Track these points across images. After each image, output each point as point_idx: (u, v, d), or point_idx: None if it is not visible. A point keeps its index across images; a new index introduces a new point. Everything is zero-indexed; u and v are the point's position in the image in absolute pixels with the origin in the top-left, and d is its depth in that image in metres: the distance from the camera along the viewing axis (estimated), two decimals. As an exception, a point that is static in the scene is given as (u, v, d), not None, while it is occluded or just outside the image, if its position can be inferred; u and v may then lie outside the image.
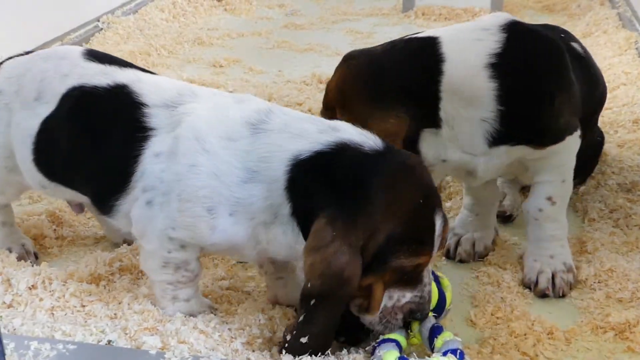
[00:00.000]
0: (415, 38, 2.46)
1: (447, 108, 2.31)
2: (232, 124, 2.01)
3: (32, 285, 2.37)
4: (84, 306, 2.30)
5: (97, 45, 4.89)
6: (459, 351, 1.86)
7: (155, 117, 2.09)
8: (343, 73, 2.43)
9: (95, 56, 2.32)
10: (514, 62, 2.33)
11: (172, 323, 2.09)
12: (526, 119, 2.32)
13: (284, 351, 1.92)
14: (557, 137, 2.36)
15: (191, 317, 2.15)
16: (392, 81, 2.32)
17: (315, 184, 1.90)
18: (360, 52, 2.48)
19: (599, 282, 2.44)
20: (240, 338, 2.08)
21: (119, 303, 2.29)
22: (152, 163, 2.05)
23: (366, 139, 1.93)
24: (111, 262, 2.53)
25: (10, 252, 2.61)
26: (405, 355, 1.87)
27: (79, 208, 2.61)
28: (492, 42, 2.34)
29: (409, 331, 2.00)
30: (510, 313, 2.28)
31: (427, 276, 1.94)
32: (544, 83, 2.35)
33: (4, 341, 1.96)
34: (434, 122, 2.33)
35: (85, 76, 2.24)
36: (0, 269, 2.43)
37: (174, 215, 2.01)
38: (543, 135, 2.36)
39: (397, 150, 1.97)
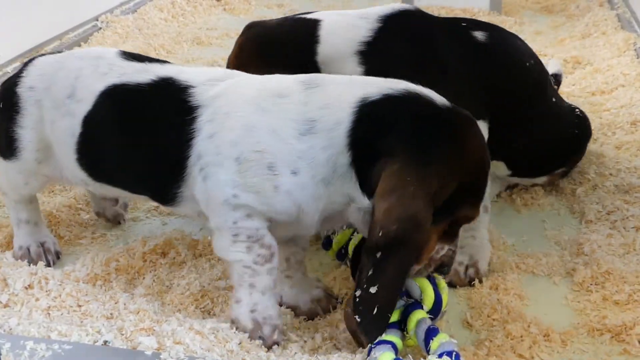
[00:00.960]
0: (303, 18, 2.67)
1: None
2: (281, 84, 2.05)
3: (29, 285, 2.37)
4: (80, 306, 2.30)
5: (95, 44, 4.89)
6: (454, 353, 1.86)
7: (200, 93, 2.10)
8: (241, 42, 2.66)
9: (133, 56, 2.34)
10: (382, 50, 2.51)
11: (168, 324, 2.08)
12: None
13: (353, 307, 1.91)
14: None
15: (187, 318, 2.14)
16: (278, 54, 2.50)
17: (384, 127, 1.92)
18: (257, 23, 2.73)
19: (595, 284, 2.44)
20: (235, 339, 2.07)
21: (115, 303, 2.30)
22: (205, 143, 2.04)
23: (433, 95, 2.00)
24: (107, 262, 2.53)
25: (29, 250, 2.61)
26: (401, 357, 1.87)
27: (114, 201, 2.65)
28: (365, 30, 2.55)
29: (404, 333, 2.00)
30: (507, 315, 2.27)
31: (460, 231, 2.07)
32: (407, 71, 2.39)
33: (0, 341, 1.96)
34: None
35: (126, 74, 2.24)
36: (-4, 269, 2.43)
37: (235, 179, 1.98)
38: None
39: (460, 108, 2.02)
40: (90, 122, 2.25)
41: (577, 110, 3.09)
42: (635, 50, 4.43)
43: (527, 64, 2.80)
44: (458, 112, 1.99)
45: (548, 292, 2.44)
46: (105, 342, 2.01)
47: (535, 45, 4.82)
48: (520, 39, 2.91)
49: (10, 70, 4.37)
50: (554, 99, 2.92)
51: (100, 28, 5.28)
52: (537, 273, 2.54)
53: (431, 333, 1.94)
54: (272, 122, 1.97)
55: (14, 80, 2.43)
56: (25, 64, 2.47)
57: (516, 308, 2.31)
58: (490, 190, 2.94)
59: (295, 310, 2.31)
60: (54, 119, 2.32)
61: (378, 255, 1.85)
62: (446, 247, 2.03)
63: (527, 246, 2.71)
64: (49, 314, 2.26)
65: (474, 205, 1.99)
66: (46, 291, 2.36)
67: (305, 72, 2.31)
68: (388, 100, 1.95)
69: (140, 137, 2.18)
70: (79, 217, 2.97)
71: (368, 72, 2.51)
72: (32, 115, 2.37)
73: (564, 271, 2.54)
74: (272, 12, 6.06)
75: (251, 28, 2.76)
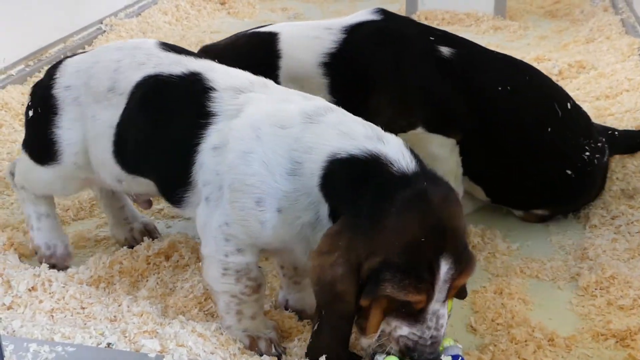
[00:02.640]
0: (257, 32, 2.69)
1: None
2: (288, 113, 2.00)
3: (32, 287, 2.37)
4: (83, 308, 2.29)
5: (99, 47, 4.89)
6: (459, 358, 1.86)
7: (219, 100, 2.09)
8: None
9: (170, 47, 2.34)
10: (346, 62, 2.56)
11: (171, 326, 2.08)
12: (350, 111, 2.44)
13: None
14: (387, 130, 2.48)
15: (190, 321, 2.14)
16: None
17: (340, 187, 1.88)
18: (211, 46, 2.76)
19: (600, 289, 2.43)
20: (238, 342, 2.07)
21: (119, 305, 2.29)
22: (208, 155, 2.04)
23: (401, 158, 1.86)
24: (111, 265, 2.53)
25: (56, 251, 2.60)
26: (405, 360, 1.86)
27: (147, 204, 2.62)
28: (329, 42, 2.60)
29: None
30: (511, 319, 2.27)
31: (432, 320, 1.81)
32: (370, 85, 2.56)
33: (3, 343, 1.95)
34: None
35: (161, 65, 2.24)
36: (0, 270, 2.43)
37: (227, 208, 1.98)
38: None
39: (432, 179, 1.86)
40: (126, 112, 2.24)
41: (589, 155, 2.83)
42: (639, 55, 4.42)
43: (498, 88, 2.74)
44: (413, 185, 1.81)
45: (552, 297, 2.44)
46: (109, 344, 2.01)
47: (540, 49, 4.83)
48: (502, 60, 2.84)
49: (15, 72, 4.37)
50: (550, 130, 2.78)
51: (105, 31, 5.29)
52: (541, 278, 2.54)
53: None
54: (266, 154, 1.95)
55: (47, 84, 2.41)
56: (54, 67, 2.45)
57: (520, 312, 2.31)
58: (472, 202, 2.97)
59: (301, 314, 2.31)
60: (95, 113, 2.30)
61: (322, 312, 1.87)
62: (405, 328, 1.81)
63: (531, 251, 2.70)
64: (52, 316, 2.25)
65: (404, 288, 1.75)
66: (49, 293, 2.35)
67: None
68: (350, 162, 1.88)
69: (159, 129, 2.18)
70: (82, 220, 2.97)
71: (332, 84, 2.58)
72: (70, 114, 2.36)
73: (568, 276, 2.54)
74: (276, 16, 6.07)
75: (206, 52, 2.73)
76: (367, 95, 2.60)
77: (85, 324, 2.19)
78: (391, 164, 1.85)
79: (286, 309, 2.34)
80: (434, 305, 1.79)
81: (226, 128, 2.03)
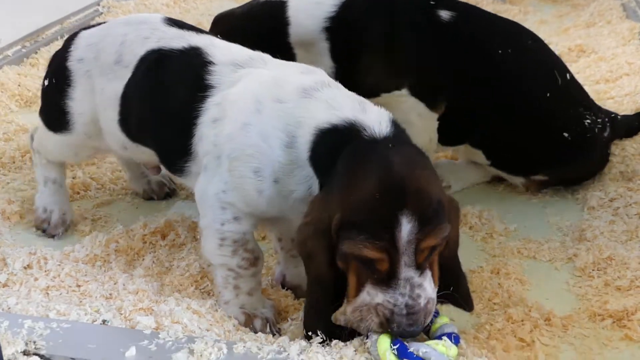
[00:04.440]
0: (269, 1, 2.79)
1: (303, 61, 2.63)
2: (286, 88, 2.01)
3: (28, 265, 2.37)
4: (79, 286, 2.30)
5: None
6: (454, 335, 1.85)
7: (218, 74, 2.12)
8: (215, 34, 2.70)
9: (175, 22, 2.38)
10: (346, 26, 2.66)
11: (166, 304, 2.07)
12: (350, 75, 2.58)
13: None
14: (373, 91, 2.60)
15: (185, 298, 2.14)
16: (252, 42, 2.47)
17: (323, 157, 1.89)
18: (224, 15, 2.88)
19: (597, 270, 2.42)
20: (233, 319, 2.07)
21: (115, 284, 2.29)
22: (207, 127, 2.06)
23: (376, 125, 1.87)
24: (107, 243, 2.53)
25: (51, 216, 2.68)
26: (399, 339, 1.85)
27: (156, 170, 2.68)
28: (329, 6, 2.69)
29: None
30: (508, 299, 2.26)
31: (405, 287, 1.76)
32: (368, 47, 2.66)
33: (-2, 319, 1.95)
34: None
35: (164, 39, 2.29)
36: (-5, 249, 2.43)
37: (225, 176, 2.00)
38: (360, 87, 2.43)
39: (402, 144, 1.86)
40: (130, 83, 2.30)
41: (590, 123, 2.87)
42: (640, 39, 4.41)
43: (499, 51, 2.77)
44: (377, 148, 1.82)
45: (549, 277, 2.43)
46: (104, 321, 2.01)
47: (540, 34, 4.74)
48: (504, 24, 2.91)
49: (11, 53, 4.36)
50: (550, 95, 2.81)
51: (102, 13, 5.27)
52: (538, 258, 2.53)
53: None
54: (265, 127, 1.96)
55: (63, 55, 2.49)
56: (70, 39, 2.53)
57: (517, 292, 2.30)
58: (470, 176, 3.03)
59: (296, 290, 2.32)
60: (103, 85, 2.37)
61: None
62: (380, 295, 1.77)
63: (529, 232, 2.69)
64: (47, 293, 2.25)
65: (360, 244, 1.73)
66: (45, 271, 2.35)
67: (282, 52, 2.49)
68: (331, 132, 1.89)
69: (160, 102, 2.22)
70: (79, 199, 2.96)
71: (334, 48, 2.67)
72: (82, 86, 2.43)
73: (565, 257, 2.53)
74: (275, -1, 6.03)
75: (220, 21, 2.86)
76: (362, 57, 2.68)
77: (80, 301, 2.19)
78: (364, 129, 1.86)
79: (283, 286, 2.34)
80: (405, 271, 1.75)
81: (224, 100, 2.05)
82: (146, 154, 2.37)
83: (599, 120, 2.91)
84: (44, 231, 2.69)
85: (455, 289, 1.92)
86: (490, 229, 2.69)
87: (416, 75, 2.74)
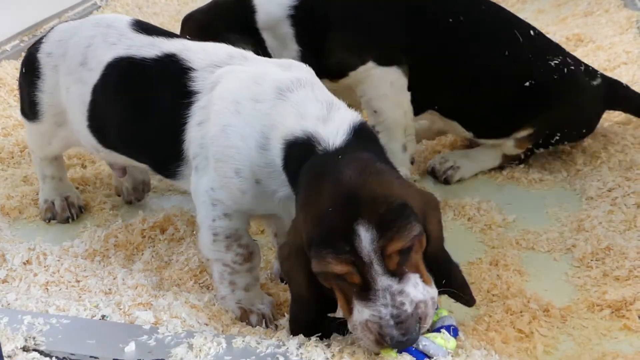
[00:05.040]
0: None
1: (273, 49, 2.79)
2: (263, 86, 2.01)
3: (27, 261, 2.38)
4: (78, 281, 2.30)
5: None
6: (452, 327, 1.85)
7: (200, 79, 2.12)
8: (185, 35, 2.81)
9: (142, 27, 2.37)
10: (308, 8, 2.75)
11: (165, 298, 2.08)
12: (316, 57, 2.70)
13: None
14: (340, 71, 2.71)
15: (183, 292, 2.14)
16: (224, 35, 2.63)
17: (290, 171, 1.91)
18: (193, 13, 2.96)
19: (596, 260, 2.42)
20: (230, 313, 2.07)
21: (114, 278, 2.30)
22: (194, 130, 2.08)
23: (332, 136, 1.85)
24: (106, 238, 2.53)
25: (53, 204, 2.73)
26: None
27: (122, 172, 2.70)
28: None
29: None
30: (506, 290, 2.27)
31: (386, 297, 1.71)
32: (326, 25, 2.76)
33: (-2, 315, 1.95)
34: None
35: (133, 47, 2.29)
36: (-5, 245, 2.43)
37: (212, 175, 2.02)
38: (328, 70, 2.71)
39: (354, 152, 1.82)
40: (99, 91, 2.30)
41: (560, 65, 2.96)
42: (637, 28, 4.39)
43: (450, 20, 2.87)
44: (328, 160, 1.81)
45: (548, 268, 2.43)
46: (103, 316, 2.01)
47: (538, 23, 4.78)
48: None
49: (9, 48, 4.35)
50: (509, 53, 2.90)
51: (100, 6, 5.27)
52: (537, 249, 2.53)
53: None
54: (243, 128, 1.97)
55: (36, 46, 2.52)
56: (47, 32, 2.56)
57: (516, 284, 2.30)
58: (480, 161, 3.06)
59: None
60: (68, 85, 2.39)
61: None
62: (366, 311, 1.72)
63: (527, 222, 2.69)
64: (47, 289, 2.25)
65: (324, 258, 1.71)
66: (44, 267, 2.36)
67: (253, 41, 2.63)
68: (295, 144, 1.88)
69: (143, 113, 2.21)
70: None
71: (298, 33, 2.77)
72: (50, 79, 2.46)
73: (564, 247, 2.53)
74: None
75: (188, 20, 2.93)
76: (325, 38, 2.78)
77: (79, 297, 2.20)
78: (319, 143, 1.84)
79: (282, 280, 2.34)
80: (381, 281, 1.71)
81: (208, 103, 2.06)
82: (118, 158, 2.41)
83: (570, 61, 2.98)
84: (53, 219, 2.74)
85: (450, 284, 1.89)
86: (489, 220, 2.69)
87: (378, 46, 2.82)
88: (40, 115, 2.52)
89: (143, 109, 2.21)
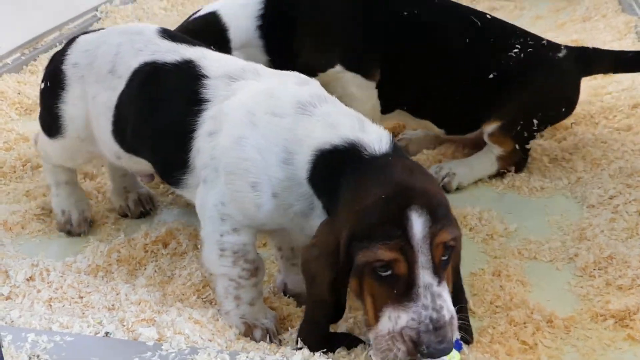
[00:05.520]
0: (200, 16, 2.96)
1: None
2: (281, 101, 2.01)
3: (30, 277, 2.38)
4: (81, 297, 2.30)
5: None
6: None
7: (212, 88, 2.13)
8: None
9: (169, 34, 2.40)
10: (273, 16, 2.84)
11: (168, 314, 2.08)
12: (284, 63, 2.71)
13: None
14: (308, 74, 2.69)
15: (186, 308, 2.14)
16: None
17: (325, 180, 1.90)
18: None
19: (598, 269, 2.42)
20: (234, 328, 2.07)
21: (117, 294, 2.30)
22: (204, 140, 2.07)
23: (377, 143, 1.88)
24: (109, 253, 2.53)
25: (71, 217, 2.73)
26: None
27: (150, 177, 2.70)
28: (255, 4, 2.87)
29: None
30: (509, 301, 2.27)
31: (427, 297, 1.71)
32: (292, 29, 2.84)
33: (2, 333, 1.96)
34: None
35: (158, 52, 2.31)
36: (-2, 260, 2.43)
37: (222, 188, 2.00)
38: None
39: (400, 156, 1.89)
40: (124, 95, 2.32)
41: (520, 43, 3.02)
42: (636, 33, 4.40)
43: (405, 13, 2.94)
44: (374, 161, 1.85)
45: (551, 278, 2.43)
46: (107, 333, 2.01)
47: (536, 29, 4.76)
48: None
49: (10, 61, 4.36)
50: (469, 40, 2.97)
51: (100, 18, 5.27)
52: (539, 259, 2.53)
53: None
54: (260, 141, 1.97)
55: (59, 59, 2.52)
56: (69, 43, 2.56)
57: (519, 294, 2.30)
58: (477, 169, 3.07)
59: (298, 298, 2.32)
60: (95, 93, 2.39)
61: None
62: (404, 316, 1.72)
63: (529, 232, 2.69)
64: (50, 305, 2.25)
65: (375, 248, 1.71)
66: (47, 283, 2.36)
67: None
68: (333, 153, 1.89)
69: (156, 114, 2.23)
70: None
71: (267, 44, 2.85)
72: (75, 90, 2.46)
73: (566, 256, 2.53)
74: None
75: None
76: (292, 41, 2.86)
77: (83, 313, 2.20)
78: (365, 149, 1.87)
79: (285, 293, 2.34)
80: (424, 276, 1.72)
81: (219, 113, 2.06)
82: (140, 164, 2.39)
83: (529, 41, 3.03)
84: (68, 232, 2.74)
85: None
86: (491, 230, 2.69)
87: (345, 47, 2.89)
88: (64, 129, 2.51)
89: (157, 110, 2.23)
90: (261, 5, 2.89)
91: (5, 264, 2.43)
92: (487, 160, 3.07)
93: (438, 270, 1.75)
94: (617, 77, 3.83)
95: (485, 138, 3.04)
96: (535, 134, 3.03)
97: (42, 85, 2.58)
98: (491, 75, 2.95)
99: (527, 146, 3.05)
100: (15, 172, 3.22)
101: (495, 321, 2.18)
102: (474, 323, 2.18)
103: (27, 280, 2.37)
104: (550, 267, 2.49)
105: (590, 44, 4.36)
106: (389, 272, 1.73)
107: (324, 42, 2.89)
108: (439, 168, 3.05)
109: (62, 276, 2.39)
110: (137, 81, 2.29)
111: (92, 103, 2.41)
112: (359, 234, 1.74)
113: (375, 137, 1.90)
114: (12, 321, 2.09)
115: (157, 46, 2.33)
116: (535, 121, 3.00)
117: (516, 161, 3.06)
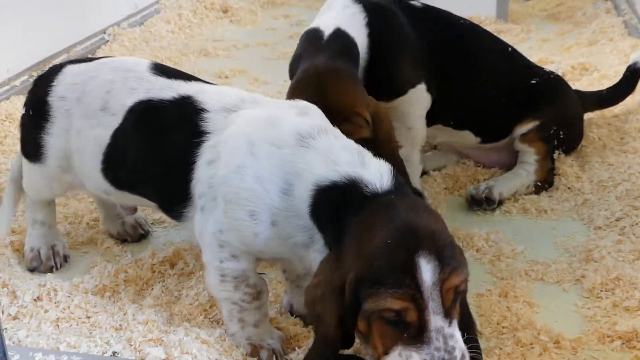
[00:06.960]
0: (333, 35, 2.82)
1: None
2: (281, 131, 2.01)
3: (37, 297, 2.38)
4: (89, 317, 2.30)
5: (103, 57, 4.90)
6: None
7: (212, 120, 2.12)
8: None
9: (162, 70, 2.37)
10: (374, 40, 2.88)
11: (175, 334, 2.08)
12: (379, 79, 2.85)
13: None
14: (400, 91, 2.87)
15: (194, 327, 2.14)
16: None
17: (326, 216, 1.89)
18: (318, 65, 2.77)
19: (605, 291, 2.42)
20: (242, 348, 2.07)
21: (124, 314, 2.30)
22: (203, 169, 2.07)
23: (378, 179, 1.87)
24: (116, 273, 2.54)
25: (39, 253, 2.66)
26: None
27: (132, 210, 2.70)
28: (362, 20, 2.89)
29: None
30: (516, 322, 2.27)
31: (439, 340, 1.71)
32: (383, 49, 2.88)
33: (9, 353, 1.95)
34: None
35: (152, 90, 2.28)
36: (6, 281, 2.44)
37: (221, 217, 2.01)
38: (391, 90, 2.90)
39: (403, 193, 1.88)
40: (118, 134, 2.29)
41: (538, 71, 3.29)
42: (642, 56, 4.40)
43: (461, 21, 3.19)
44: (381, 199, 1.83)
45: (558, 299, 2.43)
46: (114, 353, 2.02)
47: (542, 52, 4.82)
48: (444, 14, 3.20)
49: (18, 83, 4.39)
50: (505, 59, 3.22)
51: (108, 41, 5.30)
52: (546, 280, 2.53)
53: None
54: (260, 170, 1.96)
55: (44, 89, 2.46)
56: (55, 72, 2.50)
57: (526, 315, 2.30)
58: (508, 188, 3.13)
59: (305, 318, 2.31)
60: (81, 128, 2.36)
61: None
62: (415, 356, 1.71)
63: (536, 253, 2.70)
64: (57, 325, 2.26)
65: (382, 296, 1.69)
66: (55, 303, 2.36)
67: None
68: (332, 189, 1.89)
69: (155, 151, 2.22)
70: (86, 229, 2.97)
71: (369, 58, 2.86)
72: (60, 123, 2.41)
73: (573, 278, 2.53)
74: (278, 23, 6.07)
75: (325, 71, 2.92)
76: (386, 58, 2.90)
77: (90, 333, 2.20)
78: (366, 186, 1.86)
79: (292, 314, 2.35)
80: (435, 320, 1.71)
81: (218, 141, 2.06)
82: (130, 199, 2.39)
83: (546, 70, 3.36)
84: (35, 270, 2.65)
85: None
86: (498, 251, 2.69)
87: (425, 69, 3.00)
88: (45, 158, 2.46)
89: (156, 147, 2.21)
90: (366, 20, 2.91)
91: (13, 284, 2.43)
92: (522, 172, 3.16)
93: (449, 313, 1.74)
94: (624, 100, 3.83)
95: (517, 142, 3.19)
96: (560, 145, 3.21)
97: (24, 111, 2.54)
98: (534, 82, 3.22)
99: (554, 155, 3.19)
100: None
101: (502, 342, 2.18)
102: (480, 344, 2.17)
103: (35, 300, 2.37)
104: (558, 289, 2.49)
105: (596, 67, 4.38)
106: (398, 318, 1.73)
107: (414, 65, 2.98)
108: (476, 186, 3.12)
109: (69, 296, 2.39)
110: (133, 120, 2.27)
111: (77, 137, 2.37)
112: (366, 278, 1.72)
113: (376, 173, 1.88)
114: (20, 341, 2.10)
115: (150, 83, 2.30)
116: (563, 131, 3.19)
117: (548, 169, 3.15)
